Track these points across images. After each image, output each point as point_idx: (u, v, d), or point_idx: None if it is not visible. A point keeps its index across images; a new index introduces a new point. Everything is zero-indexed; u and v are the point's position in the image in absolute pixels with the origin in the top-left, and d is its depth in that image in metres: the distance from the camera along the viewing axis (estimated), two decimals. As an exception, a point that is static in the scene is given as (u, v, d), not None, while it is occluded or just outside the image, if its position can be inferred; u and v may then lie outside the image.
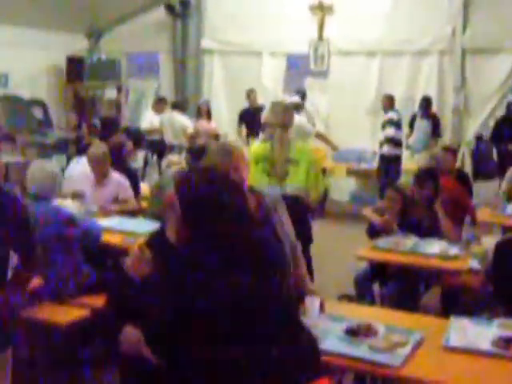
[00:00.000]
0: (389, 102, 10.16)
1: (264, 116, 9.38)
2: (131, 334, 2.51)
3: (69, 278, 4.75)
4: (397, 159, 10.13)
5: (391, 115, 10.04)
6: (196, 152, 6.59)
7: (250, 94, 11.20)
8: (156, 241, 2.71)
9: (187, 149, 8.18)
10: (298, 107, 9.55)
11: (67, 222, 4.77)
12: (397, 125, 10.05)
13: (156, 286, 2.47)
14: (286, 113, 5.60)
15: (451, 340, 3.29)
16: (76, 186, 6.45)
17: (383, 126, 10.10)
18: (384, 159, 10.11)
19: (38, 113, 11.44)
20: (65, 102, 12.33)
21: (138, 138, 11.11)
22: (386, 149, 10.02)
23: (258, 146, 5.81)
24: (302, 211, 5.37)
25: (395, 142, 10.04)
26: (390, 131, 9.98)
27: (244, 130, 11.20)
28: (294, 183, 5.33)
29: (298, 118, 8.53)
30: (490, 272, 4.40)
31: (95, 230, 5.17)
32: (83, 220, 5.19)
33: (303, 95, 10.63)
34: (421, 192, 5.73)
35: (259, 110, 10.86)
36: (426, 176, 5.86)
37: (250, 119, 10.98)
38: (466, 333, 3.37)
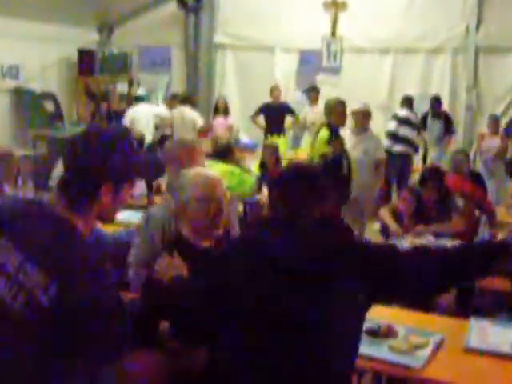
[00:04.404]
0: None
1: None
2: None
3: None
4: None
5: None
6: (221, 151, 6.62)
7: (274, 90, 11.02)
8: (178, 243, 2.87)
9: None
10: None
11: None
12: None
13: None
14: None
15: (472, 342, 3.27)
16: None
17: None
18: None
19: (49, 106, 11.40)
20: (76, 95, 12.31)
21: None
22: None
23: None
24: None
25: None
26: None
27: (262, 123, 11.01)
28: None
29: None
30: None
31: None
32: None
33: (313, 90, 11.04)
34: (426, 191, 5.75)
35: (281, 107, 10.85)
36: (430, 175, 5.86)
37: (270, 115, 10.88)
38: (487, 334, 3.35)
